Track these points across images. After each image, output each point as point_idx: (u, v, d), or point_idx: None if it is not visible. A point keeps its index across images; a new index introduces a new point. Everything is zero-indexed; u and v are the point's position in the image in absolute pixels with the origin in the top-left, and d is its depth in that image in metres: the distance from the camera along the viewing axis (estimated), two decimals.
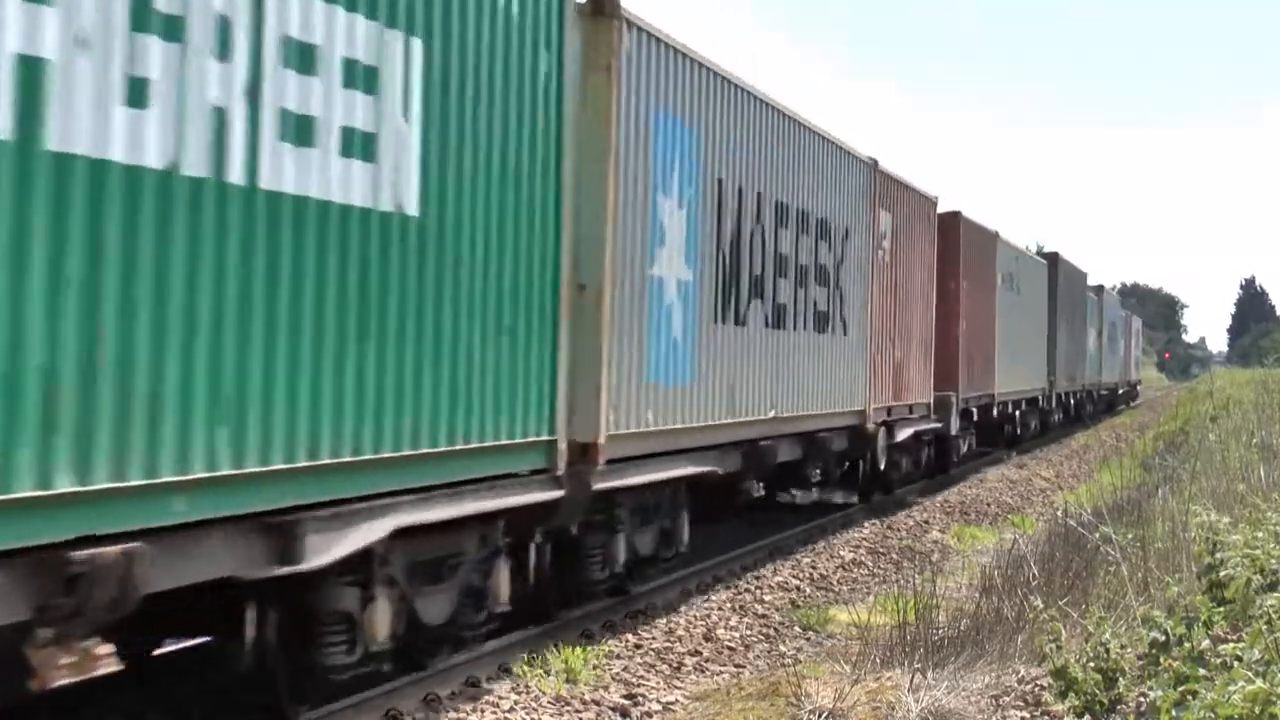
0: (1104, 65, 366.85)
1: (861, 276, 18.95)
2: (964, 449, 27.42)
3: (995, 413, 29.64)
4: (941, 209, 26.00)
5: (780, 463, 15.86)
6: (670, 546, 12.90)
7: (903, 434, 20.97)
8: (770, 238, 15.03)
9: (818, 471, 17.36)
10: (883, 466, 20.05)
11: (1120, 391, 64.25)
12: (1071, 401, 44.07)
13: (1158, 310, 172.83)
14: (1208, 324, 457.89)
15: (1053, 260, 39.73)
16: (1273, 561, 8.00)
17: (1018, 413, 33.52)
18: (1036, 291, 36.33)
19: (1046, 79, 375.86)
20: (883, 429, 19.92)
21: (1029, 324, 34.58)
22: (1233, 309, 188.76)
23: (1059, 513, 16.07)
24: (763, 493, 14.95)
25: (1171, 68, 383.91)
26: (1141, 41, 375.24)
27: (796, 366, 16.00)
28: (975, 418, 27.57)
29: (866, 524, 19.52)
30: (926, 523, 20.16)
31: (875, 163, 19.55)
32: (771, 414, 15.03)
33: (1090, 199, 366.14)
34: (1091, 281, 53.19)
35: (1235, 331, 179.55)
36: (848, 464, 19.63)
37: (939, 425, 23.54)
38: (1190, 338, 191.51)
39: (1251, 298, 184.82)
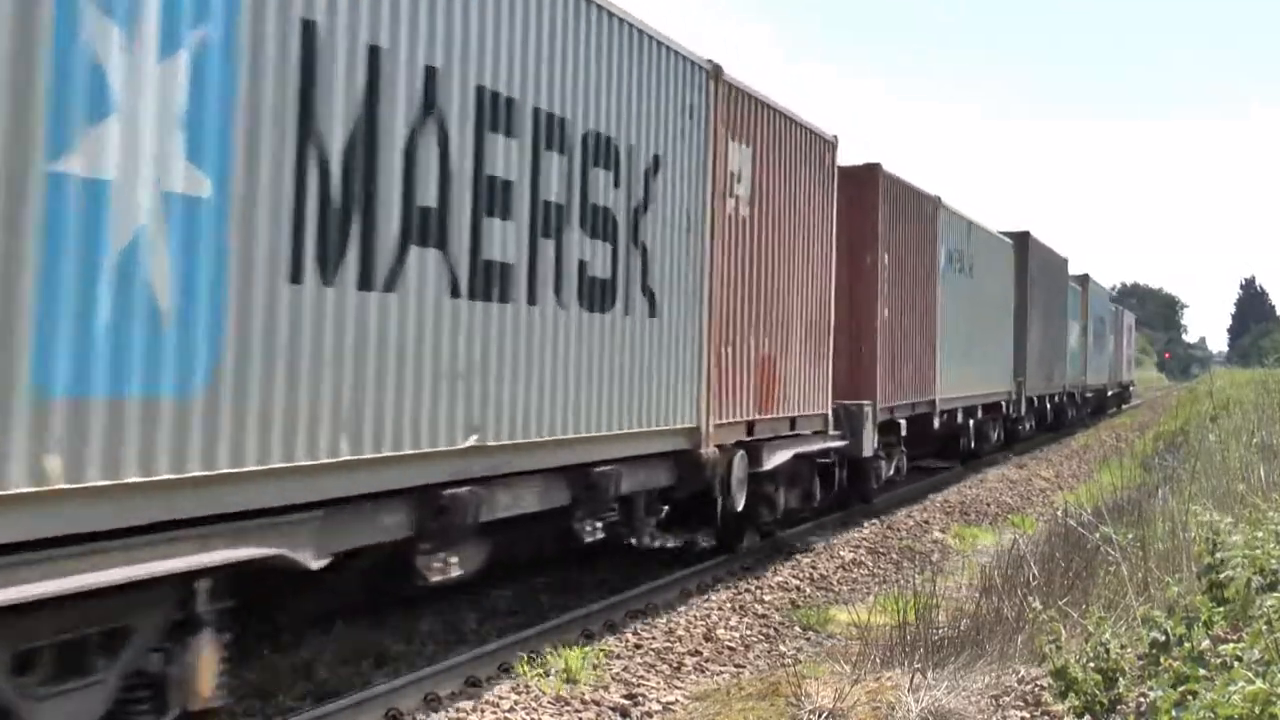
0: (1085, 54, 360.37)
1: (691, 233, 12.82)
2: (889, 472, 20.96)
3: (938, 423, 23.38)
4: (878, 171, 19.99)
5: (510, 517, 9.87)
6: (166, 706, 6.73)
7: (776, 459, 14.85)
8: (463, 149, 8.92)
9: (597, 525, 11.21)
10: (740, 505, 14.00)
11: (1110, 393, 57.62)
12: (1047, 406, 37.59)
13: (1158, 310, 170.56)
14: (1208, 324, 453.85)
15: (1021, 240, 32.84)
16: (1273, 561, 7.91)
17: (972, 422, 26.92)
18: (999, 276, 29.90)
19: (1030, 71, 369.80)
20: (739, 454, 13.86)
21: (988, 315, 28.31)
22: (1233, 309, 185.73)
23: (1059, 513, 15.96)
24: (461, 572, 8.93)
25: (1154, 58, 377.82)
26: (1123, 30, 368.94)
27: (541, 363, 9.96)
28: (905, 431, 21.35)
29: (866, 524, 19.15)
30: (926, 523, 19.93)
31: (718, 70, 13.47)
32: (470, 441, 8.99)
33: (1086, 197, 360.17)
34: (1081, 272, 46.99)
35: (1235, 331, 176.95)
36: (671, 505, 13.48)
37: (843, 443, 17.40)
38: (1190, 338, 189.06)
39: (1251, 298, 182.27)
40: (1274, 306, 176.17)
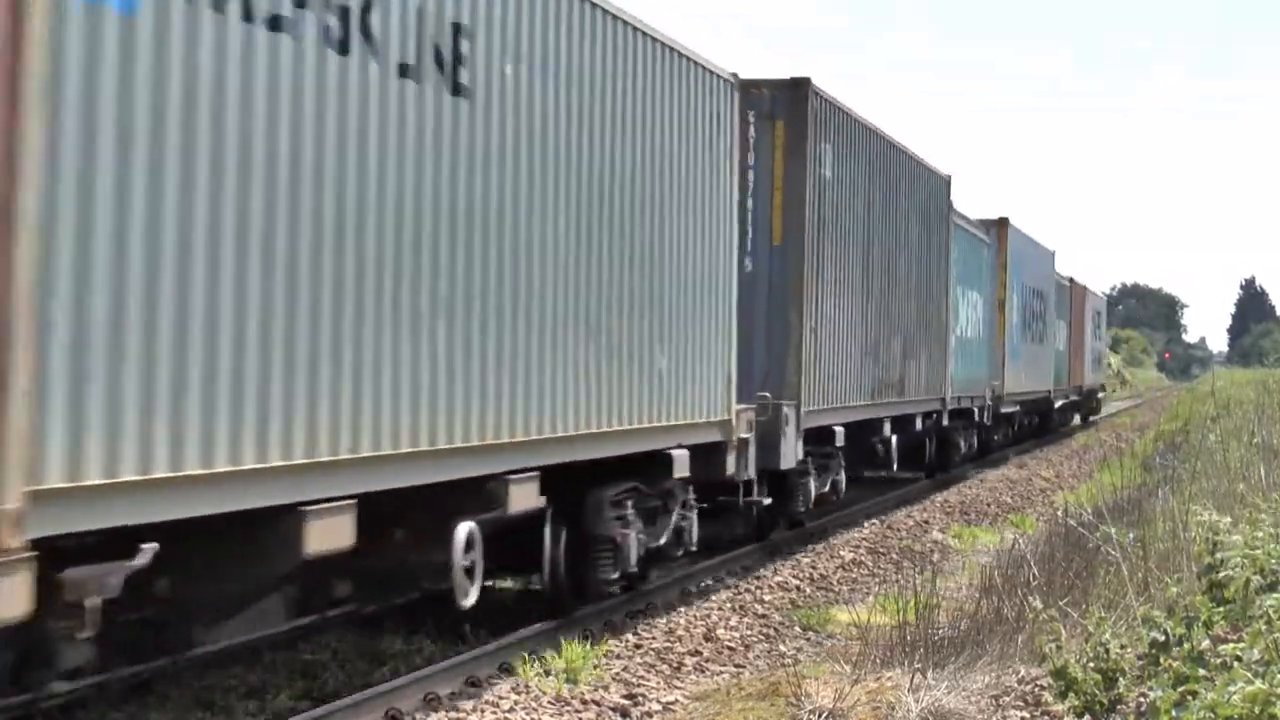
0: (1083, 52, 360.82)
1: None
2: None
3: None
4: None
5: None
6: None
7: None
8: None
9: None
10: None
11: (1058, 404, 38.91)
12: (889, 436, 19.86)
13: (1158, 310, 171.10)
14: (1208, 324, 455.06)
15: (793, 94, 15.44)
16: (1273, 561, 7.91)
17: (547, 531, 10.71)
18: (687, 153, 11.98)
19: (1024, 66, 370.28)
20: None
21: (605, 234, 10.70)
22: (1233, 309, 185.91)
23: (1059, 512, 15.94)
24: None
25: (1152, 57, 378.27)
26: (1122, 29, 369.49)
27: None
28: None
29: (866, 524, 19.31)
30: (926, 523, 19.96)
31: None
32: None
33: (1085, 197, 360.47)
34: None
35: (1235, 331, 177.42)
36: None
37: None
38: (1190, 338, 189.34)
39: (1251, 298, 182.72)
40: (1274, 306, 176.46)
